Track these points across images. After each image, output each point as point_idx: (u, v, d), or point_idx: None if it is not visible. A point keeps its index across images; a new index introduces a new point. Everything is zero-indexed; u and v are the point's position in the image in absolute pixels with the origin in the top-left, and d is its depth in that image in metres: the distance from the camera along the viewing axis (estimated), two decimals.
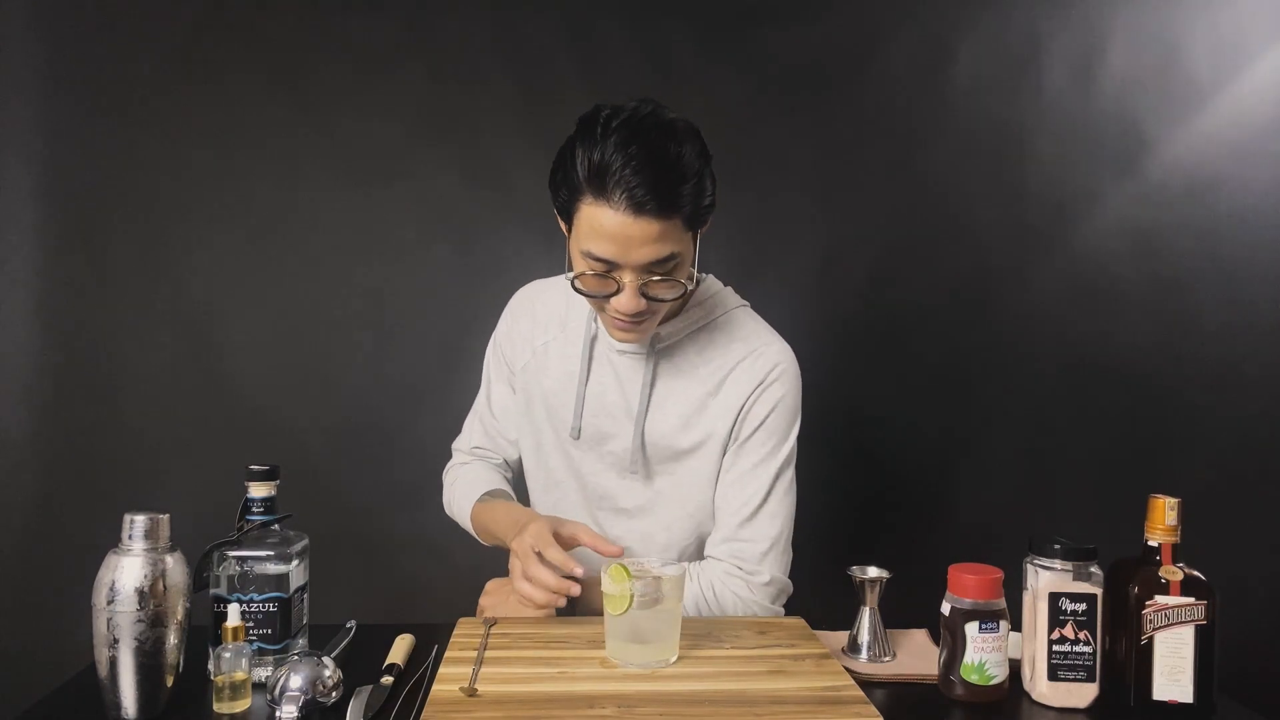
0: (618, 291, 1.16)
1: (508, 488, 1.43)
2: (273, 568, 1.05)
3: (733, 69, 2.02)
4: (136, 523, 0.96)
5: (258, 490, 1.08)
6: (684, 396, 1.30)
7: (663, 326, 1.30)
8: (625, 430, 1.32)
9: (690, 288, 1.20)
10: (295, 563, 1.07)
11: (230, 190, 2.00)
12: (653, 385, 1.30)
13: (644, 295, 1.16)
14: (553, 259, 2.01)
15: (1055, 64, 2.05)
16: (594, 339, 1.34)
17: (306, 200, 2.02)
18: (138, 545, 0.95)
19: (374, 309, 2.04)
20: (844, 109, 2.05)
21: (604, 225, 1.13)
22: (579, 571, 1.12)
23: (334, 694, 0.97)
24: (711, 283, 1.37)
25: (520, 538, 1.17)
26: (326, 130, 2.01)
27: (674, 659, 1.04)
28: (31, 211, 1.97)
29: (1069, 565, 1.01)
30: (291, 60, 2.00)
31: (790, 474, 1.31)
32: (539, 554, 1.14)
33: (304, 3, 1.99)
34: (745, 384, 1.28)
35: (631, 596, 1.02)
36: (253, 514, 1.07)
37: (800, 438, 1.31)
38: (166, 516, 0.98)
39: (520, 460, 1.46)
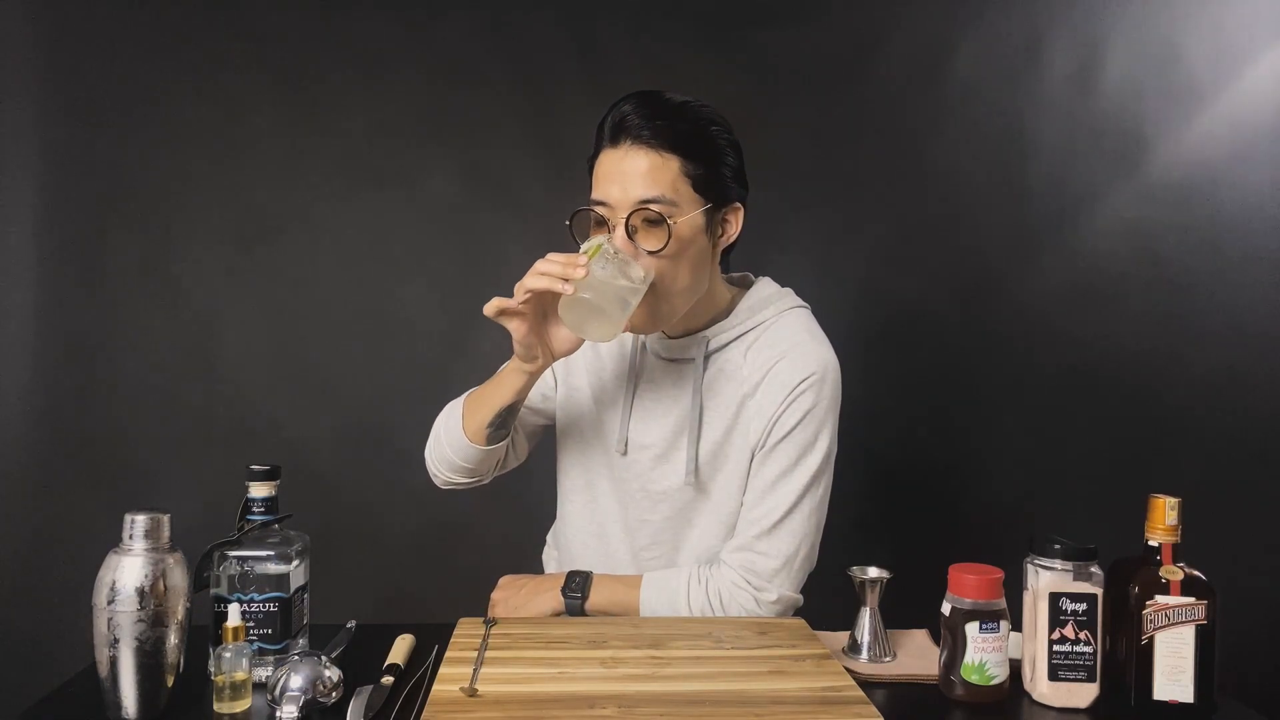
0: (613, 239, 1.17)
1: None
2: (273, 568, 1.05)
3: (733, 69, 2.02)
4: (137, 523, 0.96)
5: (258, 490, 1.08)
6: (726, 398, 1.28)
7: (710, 330, 1.29)
8: (668, 439, 1.30)
9: (670, 237, 1.15)
10: (295, 563, 1.07)
11: (230, 191, 2.00)
12: (704, 393, 1.28)
13: (634, 243, 1.16)
14: None
15: (1055, 64, 2.05)
16: (643, 346, 1.33)
17: (306, 200, 2.02)
18: (138, 545, 0.95)
19: (374, 309, 2.04)
20: (844, 109, 2.05)
21: (605, 166, 1.18)
22: (582, 259, 1.10)
23: (334, 694, 0.97)
24: (764, 285, 1.35)
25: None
26: (326, 131, 2.01)
27: (613, 334, 1.15)
28: (31, 212, 1.97)
29: (1069, 565, 1.01)
30: (291, 61, 2.00)
31: (819, 489, 1.26)
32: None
33: (304, 3, 1.99)
34: (779, 388, 1.24)
35: (600, 246, 1.13)
36: (253, 514, 1.07)
37: None
38: (167, 516, 0.98)
39: (523, 428, 1.43)
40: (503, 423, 1.29)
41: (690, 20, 2.02)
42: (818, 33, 2.03)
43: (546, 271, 1.11)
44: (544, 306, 1.18)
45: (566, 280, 1.09)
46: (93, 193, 1.98)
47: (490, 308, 1.16)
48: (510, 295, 1.16)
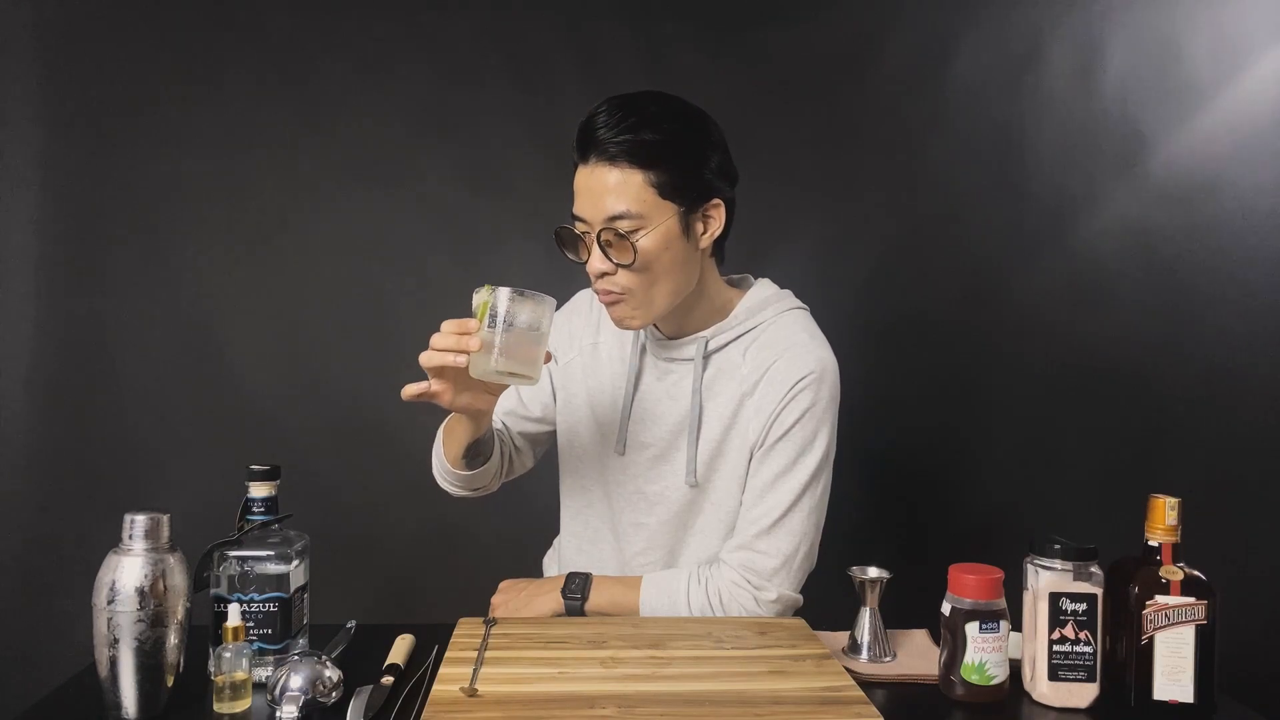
0: (590, 257, 1.20)
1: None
2: (273, 568, 1.05)
3: (733, 68, 2.02)
4: (137, 522, 0.96)
5: (258, 490, 1.08)
6: (725, 398, 1.28)
7: (709, 330, 1.29)
8: (667, 439, 1.30)
9: (635, 253, 1.16)
10: (295, 563, 1.07)
11: (230, 190, 2.00)
12: (703, 392, 1.28)
13: (607, 258, 1.18)
14: (552, 259, 2.01)
15: (1055, 64, 2.05)
16: (643, 348, 1.33)
17: (306, 200, 2.02)
18: (138, 545, 0.95)
19: (374, 308, 2.04)
20: (844, 108, 2.05)
21: (578, 182, 1.20)
22: (472, 325, 1.08)
23: (334, 694, 0.97)
24: (763, 286, 1.35)
25: None
26: (326, 131, 2.01)
27: (535, 379, 1.11)
28: (31, 212, 1.97)
29: (1069, 565, 1.01)
30: (291, 61, 2.00)
31: (818, 488, 1.26)
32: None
33: (304, 3, 1.99)
34: (777, 387, 1.24)
35: (487, 303, 1.08)
36: (253, 514, 1.07)
37: None
38: (167, 516, 0.98)
39: (526, 438, 1.43)
40: (476, 453, 1.28)
41: (690, 20, 2.02)
42: (818, 33, 2.03)
43: (442, 347, 1.09)
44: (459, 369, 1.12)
45: (463, 352, 1.07)
46: (92, 193, 1.98)
47: (406, 394, 1.13)
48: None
